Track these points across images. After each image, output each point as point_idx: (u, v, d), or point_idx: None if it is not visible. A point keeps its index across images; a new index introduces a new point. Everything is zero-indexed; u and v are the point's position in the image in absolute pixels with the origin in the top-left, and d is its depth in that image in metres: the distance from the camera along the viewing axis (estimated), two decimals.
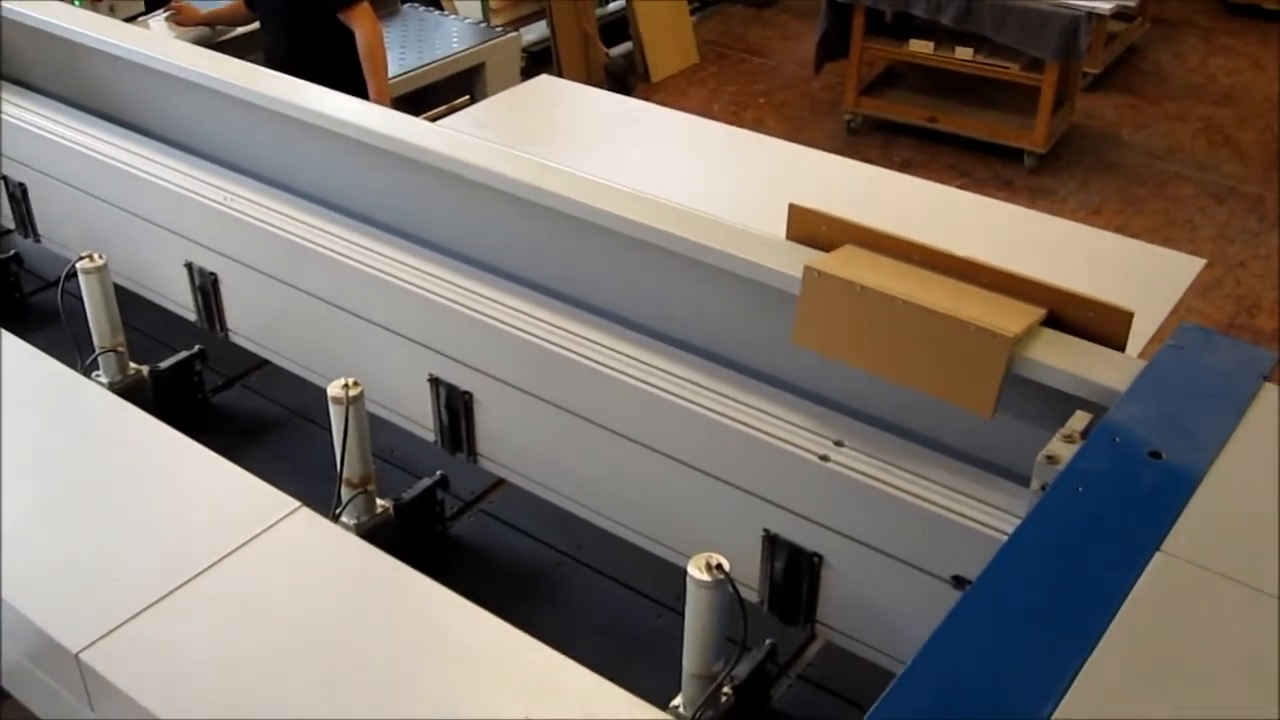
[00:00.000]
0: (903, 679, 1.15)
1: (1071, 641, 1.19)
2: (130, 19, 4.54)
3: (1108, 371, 1.64)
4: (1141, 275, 2.79)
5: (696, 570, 1.57)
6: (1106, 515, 1.36)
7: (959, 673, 1.17)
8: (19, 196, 3.00)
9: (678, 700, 1.71)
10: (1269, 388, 1.58)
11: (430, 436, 2.32)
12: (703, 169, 3.27)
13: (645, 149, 3.31)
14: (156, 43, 2.90)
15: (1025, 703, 1.13)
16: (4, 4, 3.01)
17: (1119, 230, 5.53)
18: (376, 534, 2.01)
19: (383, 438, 2.21)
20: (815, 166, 3.34)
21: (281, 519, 1.78)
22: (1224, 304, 4.95)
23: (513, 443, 2.22)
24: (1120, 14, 6.02)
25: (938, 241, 1.82)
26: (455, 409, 2.23)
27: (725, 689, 1.72)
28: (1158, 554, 1.30)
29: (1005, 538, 1.61)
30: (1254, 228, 5.55)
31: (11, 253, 2.98)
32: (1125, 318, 1.72)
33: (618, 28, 7.16)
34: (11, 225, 3.09)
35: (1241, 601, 1.26)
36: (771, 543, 1.86)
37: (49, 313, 2.80)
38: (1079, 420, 1.59)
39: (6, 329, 2.22)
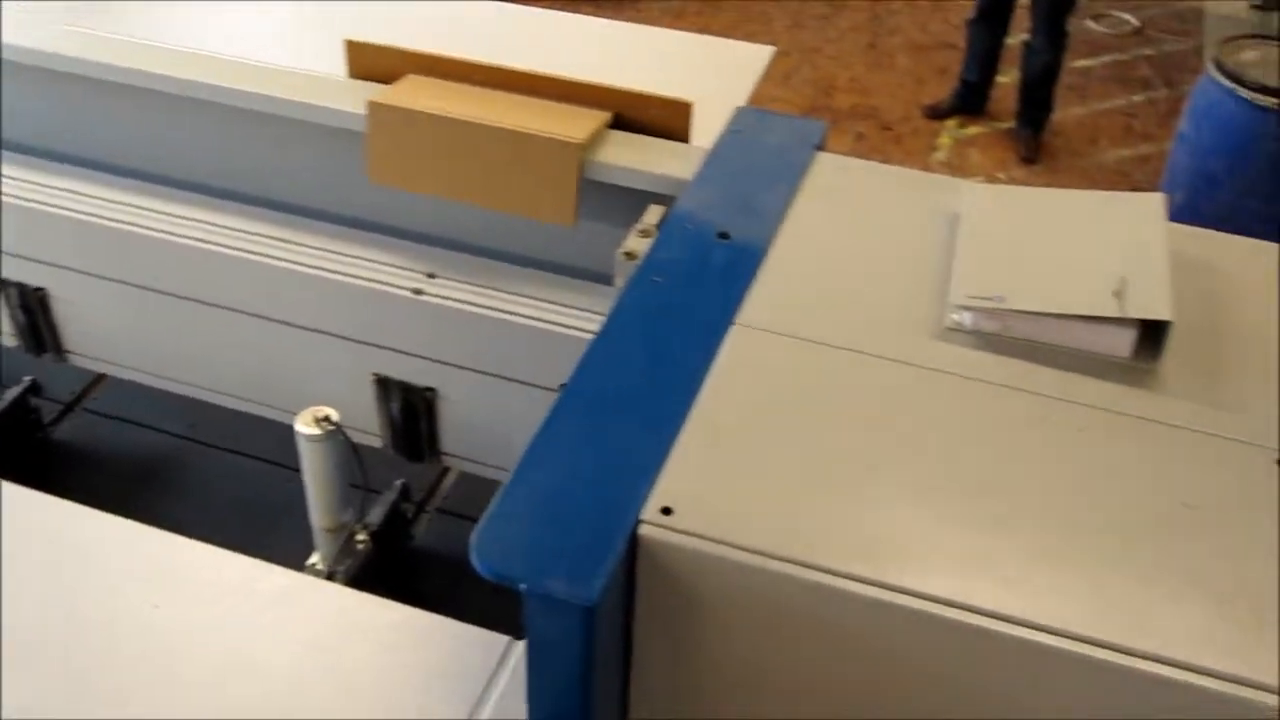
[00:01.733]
0: (504, 491, 1.17)
1: (663, 420, 1.24)
2: None
3: (675, 163, 1.69)
4: (717, 69, 2.87)
5: (305, 426, 1.55)
6: (682, 298, 1.42)
7: (558, 473, 1.20)
8: None
9: (314, 558, 1.70)
10: (820, 156, 1.67)
11: (12, 342, 2.17)
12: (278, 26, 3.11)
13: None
14: None
15: (625, 489, 1.17)
16: None
17: (702, 31, 5.69)
18: None
19: None
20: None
21: None
22: (803, 89, 5.19)
23: (102, 333, 2.09)
24: None
25: (526, 64, 1.81)
26: (30, 307, 2.08)
27: (361, 537, 1.72)
28: (733, 327, 1.36)
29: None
30: (823, 11, 5.82)
31: None
32: (685, 109, 1.78)
33: None
34: None
35: (811, 356, 1.34)
36: (383, 385, 1.85)
37: None
38: (652, 214, 1.64)
39: None
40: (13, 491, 1.61)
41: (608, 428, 1.25)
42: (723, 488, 1.18)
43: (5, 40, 1.99)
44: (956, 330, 1.38)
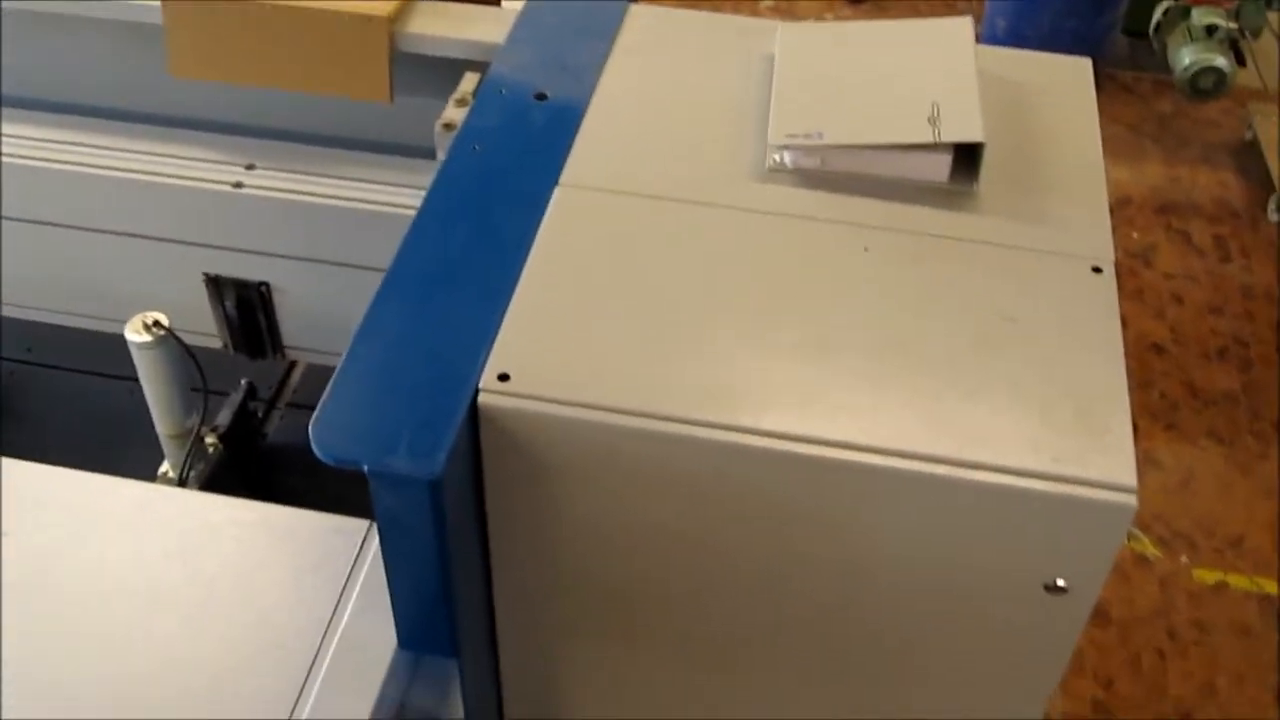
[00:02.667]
0: (341, 369, 1.16)
1: (493, 288, 1.24)
2: None
3: (486, 28, 1.66)
4: None
5: (135, 333, 1.51)
6: (503, 164, 1.40)
7: (394, 345, 1.19)
8: None
9: (164, 467, 1.67)
10: (633, 9, 1.65)
11: None
12: None
13: None
14: None
15: (461, 354, 1.17)
16: None
17: None
18: None
19: None
20: None
21: None
22: None
23: None
24: None
25: None
26: None
27: (210, 440, 1.69)
28: (557, 188, 1.36)
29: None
30: None
31: None
32: None
33: None
34: None
35: (636, 209, 1.34)
36: (215, 284, 1.81)
37: None
38: (468, 82, 1.61)
39: None
40: None
41: (437, 301, 1.24)
42: (559, 349, 1.19)
43: None
44: (778, 171, 1.39)
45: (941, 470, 1.11)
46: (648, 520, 1.22)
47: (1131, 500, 1.08)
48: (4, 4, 1.79)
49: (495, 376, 1.15)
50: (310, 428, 1.11)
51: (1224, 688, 2.73)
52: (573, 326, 1.21)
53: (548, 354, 1.18)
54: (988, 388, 1.16)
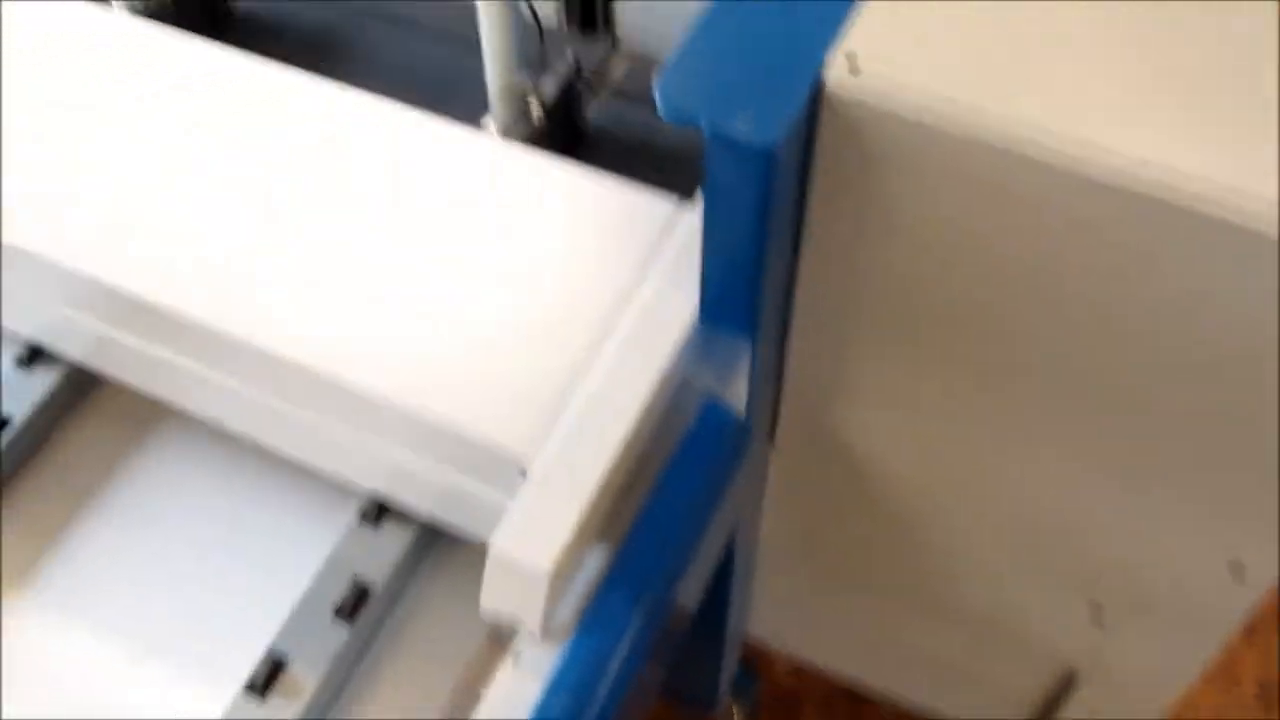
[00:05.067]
0: (694, 33, 1.17)
1: None
2: None
3: None
4: None
5: None
6: None
7: (747, 21, 1.18)
8: None
9: (487, 119, 1.72)
10: None
11: None
12: None
13: None
14: None
15: (812, 38, 1.15)
16: None
17: None
18: (158, 16, 1.91)
19: None
20: None
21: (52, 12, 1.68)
22: None
23: None
24: None
25: None
26: None
27: (535, 110, 1.73)
28: None
29: None
30: None
31: None
32: None
33: None
34: None
35: None
36: None
37: None
38: None
39: None
40: (196, 46, 1.65)
41: None
42: (912, 48, 1.15)
43: None
44: None
45: None
46: (976, 237, 1.20)
47: None
48: None
49: (844, 64, 1.13)
50: (655, 82, 1.12)
51: None
52: (928, 29, 1.17)
53: (899, 52, 1.15)
54: None
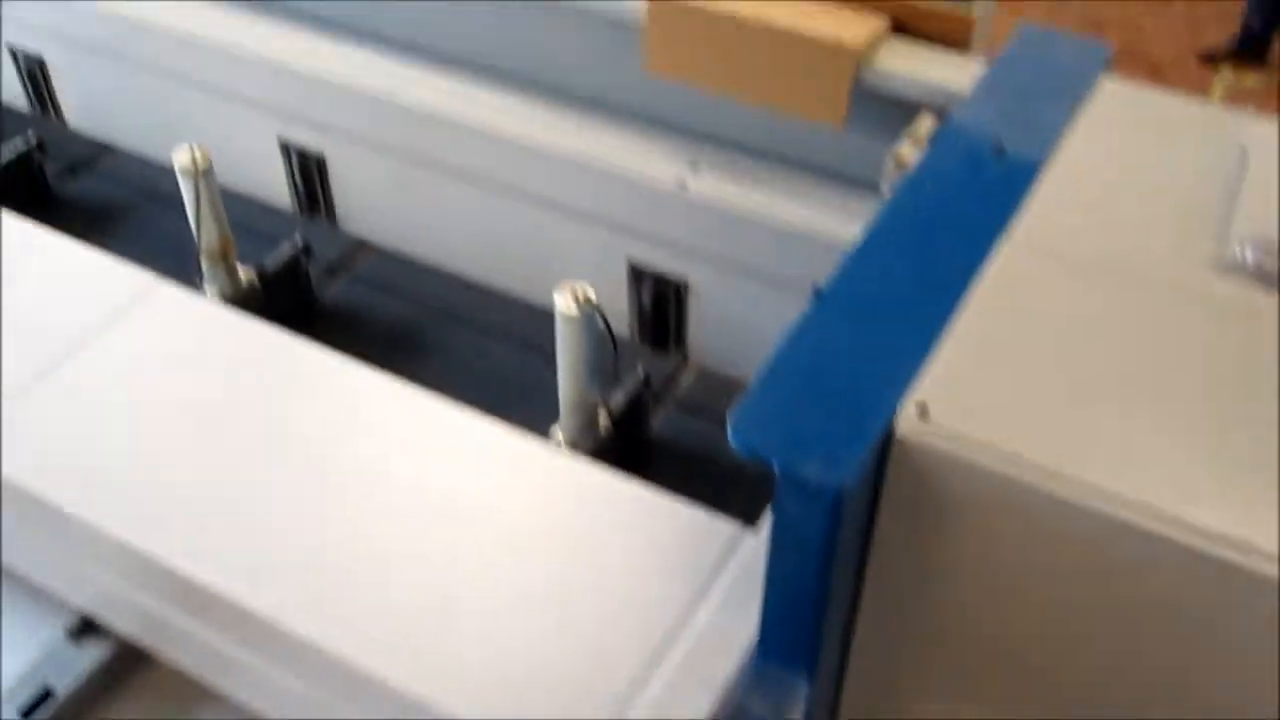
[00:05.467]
0: (764, 374, 1.19)
1: (925, 325, 1.24)
2: None
3: (950, 74, 1.67)
4: None
5: (563, 301, 1.59)
6: (952, 209, 1.40)
7: (817, 364, 1.21)
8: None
9: (555, 430, 1.75)
10: (1105, 81, 1.62)
11: (287, 204, 2.28)
12: None
13: None
14: None
15: (883, 386, 1.18)
16: None
17: None
18: (243, 304, 1.99)
19: (239, 212, 2.16)
20: None
21: (143, 296, 1.75)
22: (1071, 21, 5.00)
23: (371, 201, 2.19)
24: None
25: None
26: (308, 172, 2.19)
27: (602, 419, 1.76)
28: (1003, 242, 1.34)
29: None
30: None
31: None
32: (967, 23, 1.74)
33: None
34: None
35: (1079, 278, 1.31)
36: (636, 273, 1.89)
37: None
38: (924, 123, 1.62)
39: None
40: (283, 339, 1.71)
41: (869, 326, 1.26)
42: (981, 397, 1.18)
43: None
44: (1235, 266, 1.33)
45: None
46: (1034, 578, 1.19)
47: None
48: None
49: (915, 408, 1.16)
50: (729, 416, 1.15)
51: None
52: (998, 378, 1.20)
53: (969, 399, 1.17)
54: None
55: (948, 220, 1.39)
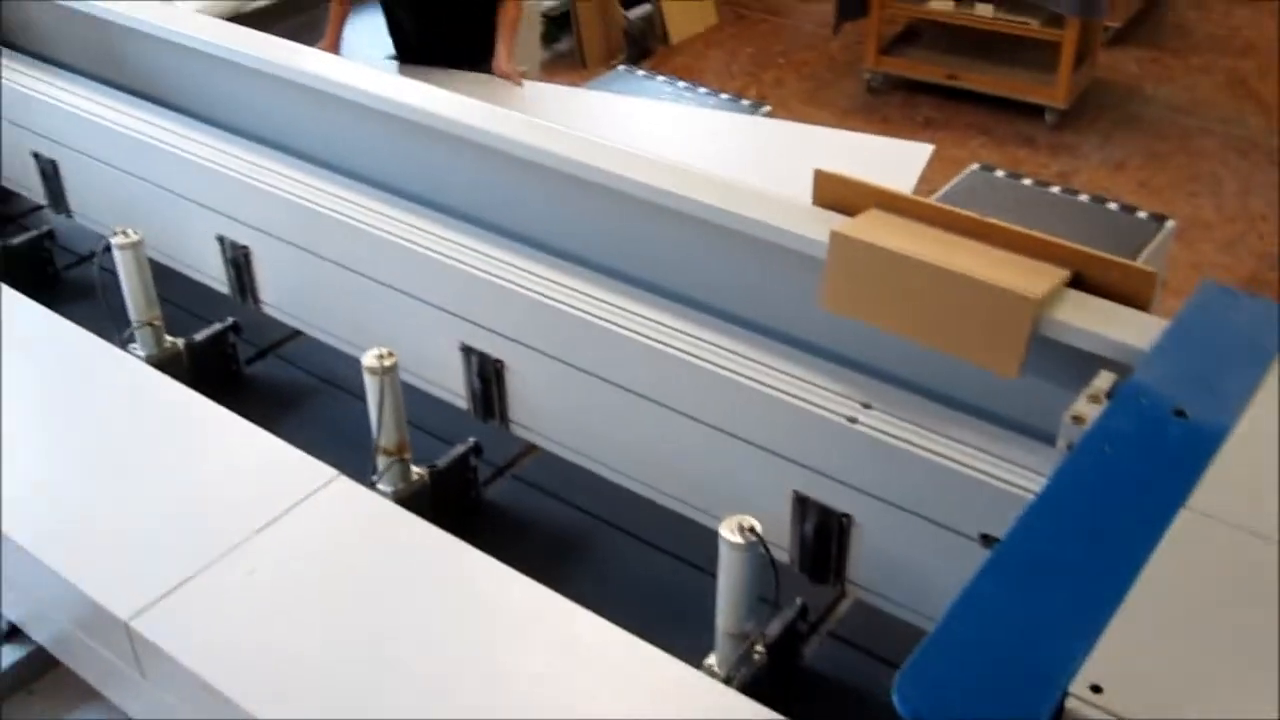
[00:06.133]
0: (933, 637, 1.18)
1: (1100, 594, 1.22)
2: None
3: (1132, 331, 1.66)
4: (883, 165, 3.30)
5: (729, 532, 1.61)
6: (1132, 473, 1.39)
7: (988, 630, 1.20)
8: (50, 172, 3.03)
9: (711, 659, 1.75)
10: None
11: (462, 404, 2.35)
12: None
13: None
14: (183, 19, 2.92)
15: (1054, 658, 1.16)
16: None
17: (1141, 185, 5.52)
18: (413, 501, 2.06)
19: (415, 405, 2.23)
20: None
21: (320, 488, 1.82)
22: (1247, 259, 4.94)
23: (544, 409, 2.25)
24: None
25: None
26: (487, 377, 2.26)
27: (758, 648, 1.75)
28: (1183, 510, 1.32)
29: (1032, 496, 1.65)
30: (1276, 181, 5.53)
31: (45, 229, 3.02)
32: (1149, 278, 1.74)
33: None
34: (43, 201, 3.13)
35: (1264, 551, 1.28)
36: (802, 504, 1.90)
37: (84, 288, 2.85)
38: (1104, 380, 1.62)
39: (42, 304, 2.26)
40: (445, 540, 1.75)
41: (1041, 592, 1.25)
42: (1157, 674, 1.15)
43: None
44: None
45: None
46: None
47: None
48: (688, 214, 2.01)
49: (1087, 685, 1.13)
50: (896, 680, 1.14)
51: None
52: (1175, 655, 1.17)
53: (1144, 676, 1.14)
54: None
55: (1126, 484, 1.38)
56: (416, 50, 4.09)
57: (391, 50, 4.23)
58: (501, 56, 4.06)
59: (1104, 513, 1.34)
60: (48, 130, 2.97)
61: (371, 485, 2.03)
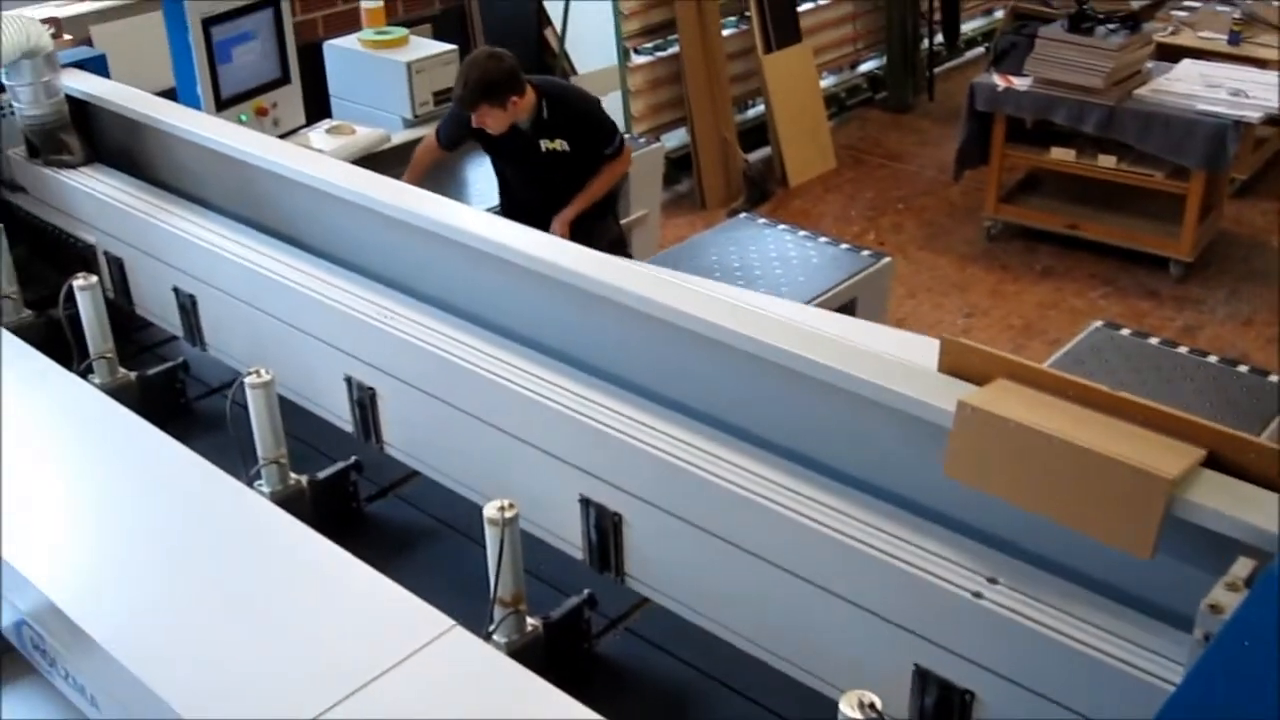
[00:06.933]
0: None
1: None
2: (291, 132, 4.77)
3: (1268, 514, 1.61)
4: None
5: (849, 708, 1.57)
6: (1273, 664, 1.34)
7: None
8: (189, 307, 3.14)
9: None
10: None
11: (579, 555, 2.36)
12: None
13: None
14: (319, 163, 3.04)
15: None
16: (170, 120, 3.21)
17: (1270, 342, 5.40)
18: (526, 652, 2.05)
19: (531, 553, 2.24)
20: None
21: (436, 638, 1.82)
22: None
23: (660, 564, 2.24)
24: (1269, 119, 5.91)
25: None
26: (604, 529, 2.26)
27: None
28: None
29: (1160, 683, 1.60)
30: None
31: (180, 360, 3.13)
32: None
33: (757, 133, 7.26)
34: (179, 333, 3.24)
35: None
36: (922, 678, 1.86)
37: (212, 418, 2.94)
38: (1242, 567, 1.57)
39: (172, 433, 2.32)
40: (558, 699, 1.73)
41: None
42: None
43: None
44: None
45: None
46: None
47: None
48: (809, 375, 2.01)
49: None
50: None
51: None
52: None
53: None
54: None
55: (1270, 682, 1.32)
56: (520, 204, 4.17)
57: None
58: (567, 211, 4.12)
59: (1246, 706, 1.29)
60: (189, 266, 3.09)
61: (487, 637, 2.03)
